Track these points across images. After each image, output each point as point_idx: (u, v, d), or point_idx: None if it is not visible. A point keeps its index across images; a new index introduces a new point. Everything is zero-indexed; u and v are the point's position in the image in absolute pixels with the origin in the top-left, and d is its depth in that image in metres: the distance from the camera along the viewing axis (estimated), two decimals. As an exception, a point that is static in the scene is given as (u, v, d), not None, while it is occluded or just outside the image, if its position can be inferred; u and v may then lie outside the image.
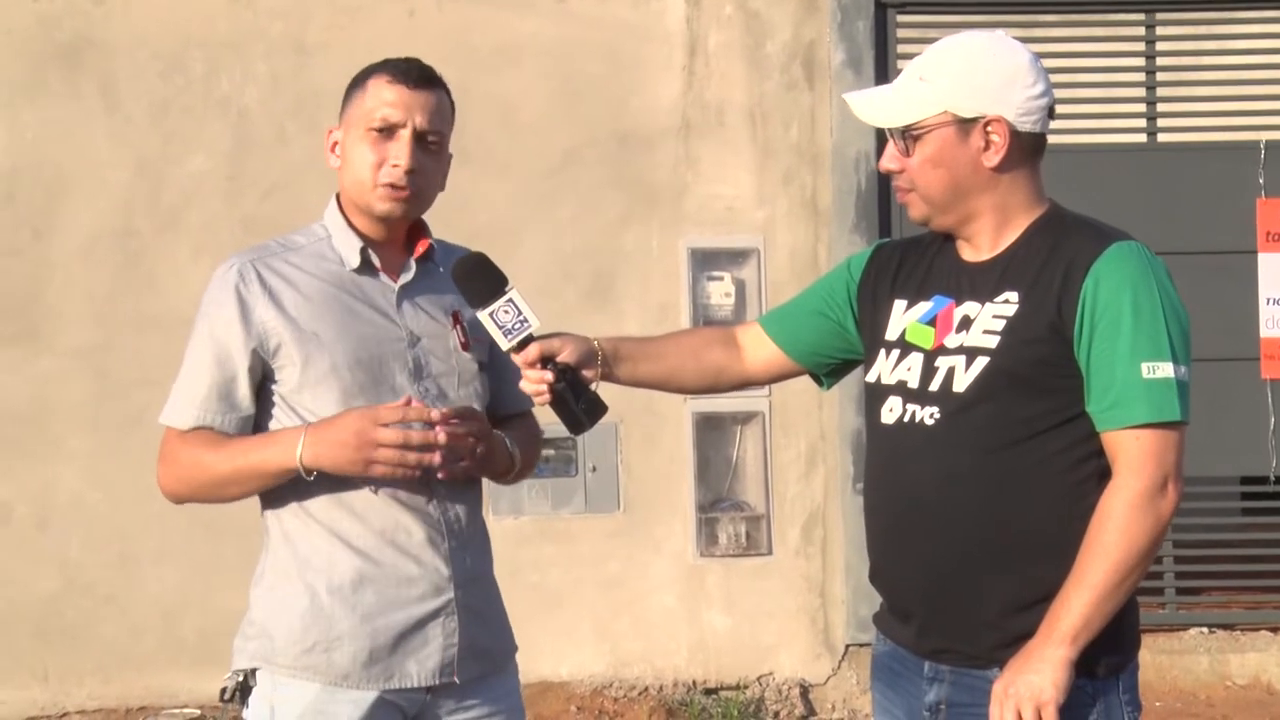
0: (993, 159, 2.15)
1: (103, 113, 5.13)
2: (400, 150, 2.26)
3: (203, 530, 4.86)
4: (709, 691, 5.17)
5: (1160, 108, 5.44)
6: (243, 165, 5.14)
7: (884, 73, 5.22)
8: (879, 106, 2.23)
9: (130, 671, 5.08)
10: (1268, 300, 5.24)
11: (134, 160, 5.14)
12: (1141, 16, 5.45)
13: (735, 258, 5.24)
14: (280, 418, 2.26)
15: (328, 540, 2.24)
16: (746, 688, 5.17)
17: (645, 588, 5.18)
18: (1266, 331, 5.23)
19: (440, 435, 2.18)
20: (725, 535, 5.20)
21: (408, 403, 2.20)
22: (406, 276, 2.34)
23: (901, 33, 5.33)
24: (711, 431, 5.23)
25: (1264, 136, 5.31)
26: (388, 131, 2.27)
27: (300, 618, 2.23)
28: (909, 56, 5.25)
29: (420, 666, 2.25)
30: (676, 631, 5.19)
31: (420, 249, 2.36)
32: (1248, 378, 5.22)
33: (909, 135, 2.17)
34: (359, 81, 2.32)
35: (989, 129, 2.14)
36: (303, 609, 2.23)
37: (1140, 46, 5.47)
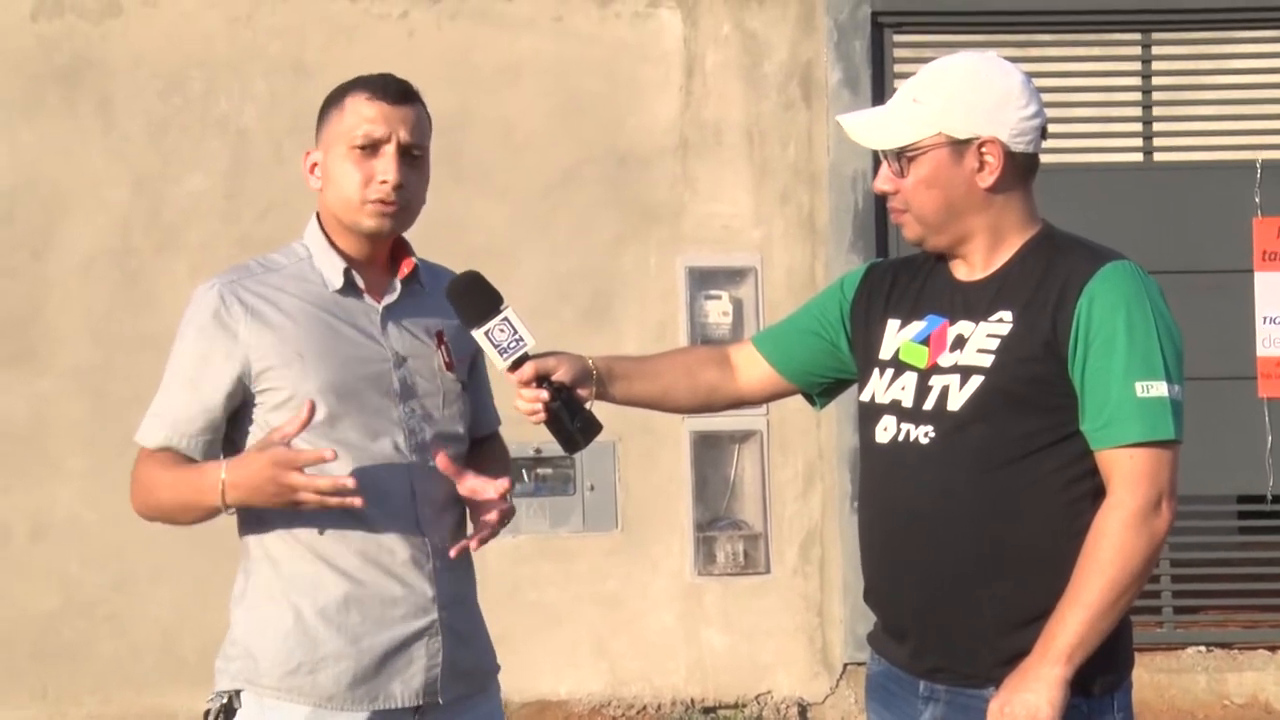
0: (987, 179, 2.17)
1: (101, 132, 5.15)
2: (387, 166, 2.25)
3: (201, 549, 4.84)
4: (707, 710, 5.16)
5: (1156, 127, 5.46)
6: (241, 184, 5.16)
7: (880, 92, 5.23)
8: (873, 128, 2.24)
9: (129, 690, 5.07)
10: (1264, 319, 5.24)
11: (132, 179, 5.15)
12: (1138, 36, 5.47)
13: (733, 277, 5.25)
14: (254, 435, 2.24)
15: (312, 562, 2.23)
16: (745, 706, 5.16)
17: (643, 606, 5.18)
18: (1263, 350, 5.24)
19: (349, 482, 2.10)
20: (723, 554, 5.20)
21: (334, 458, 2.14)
22: (391, 297, 2.33)
23: (898, 52, 5.35)
24: (709, 450, 5.23)
25: (1260, 156, 5.31)
26: (371, 148, 2.25)
27: (285, 639, 2.22)
28: (905, 75, 5.23)
29: (405, 687, 2.25)
30: (675, 650, 5.19)
31: (405, 269, 2.35)
32: (1244, 396, 5.22)
33: (903, 156, 2.18)
34: (335, 101, 2.31)
35: (983, 150, 2.16)
36: (287, 630, 2.22)
37: (1137, 66, 5.49)
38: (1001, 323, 2.15)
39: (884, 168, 2.22)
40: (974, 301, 2.19)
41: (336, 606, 2.22)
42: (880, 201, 5.09)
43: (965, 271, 2.24)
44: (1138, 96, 5.47)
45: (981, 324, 2.16)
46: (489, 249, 4.97)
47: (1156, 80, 5.47)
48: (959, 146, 2.16)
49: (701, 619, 5.19)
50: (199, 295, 2.27)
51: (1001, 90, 2.16)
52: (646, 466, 5.17)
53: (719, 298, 5.23)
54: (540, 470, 5.07)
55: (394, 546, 2.25)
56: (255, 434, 2.25)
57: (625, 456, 5.14)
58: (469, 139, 5.12)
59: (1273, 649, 5.29)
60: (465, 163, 5.10)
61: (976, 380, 2.13)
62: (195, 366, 2.24)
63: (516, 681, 4.73)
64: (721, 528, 5.23)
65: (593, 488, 5.15)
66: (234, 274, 2.30)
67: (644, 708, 5.15)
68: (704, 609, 5.19)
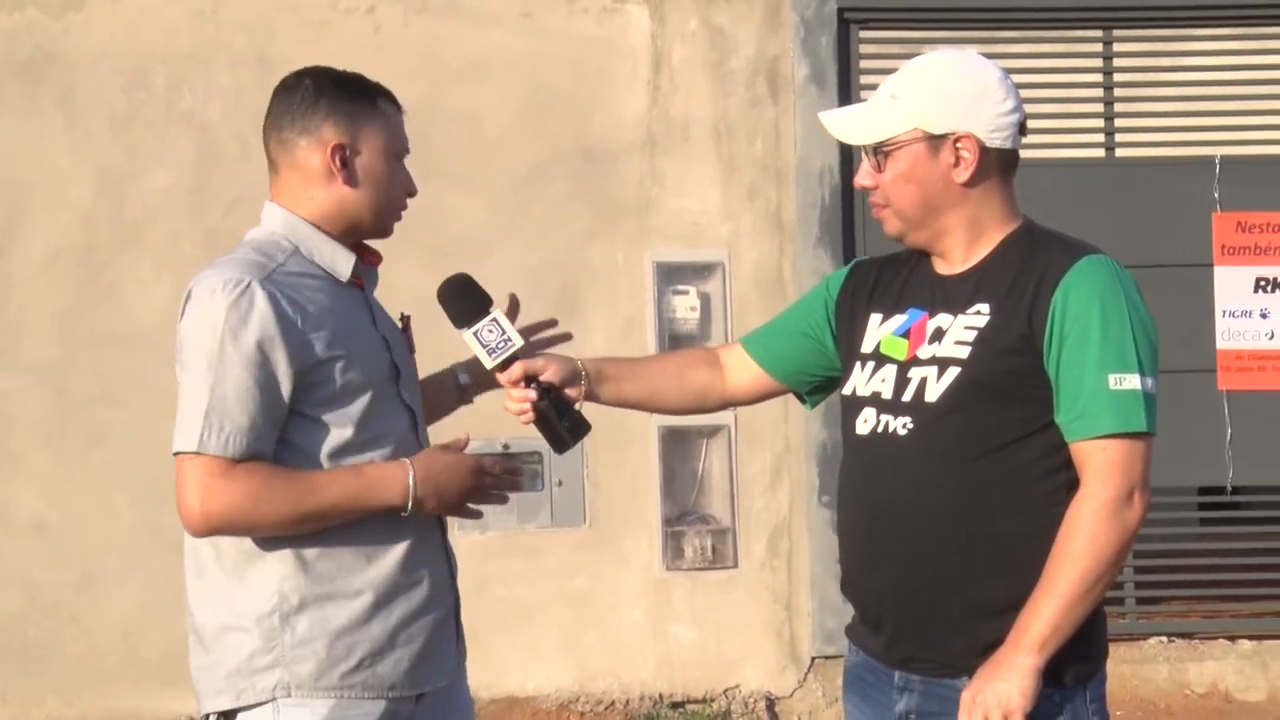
0: (963, 175, 2.19)
1: (64, 127, 5.09)
2: (409, 175, 2.36)
3: (166, 549, 4.78)
4: (675, 705, 5.17)
5: (1118, 123, 5.50)
6: (206, 179, 5.12)
7: (847, 87, 5.25)
8: (852, 124, 2.27)
9: (92, 692, 5.02)
10: (1224, 312, 5.30)
11: (95, 175, 5.10)
12: (1100, 33, 5.52)
13: (700, 272, 5.26)
14: (305, 431, 2.20)
15: (353, 557, 2.21)
16: (713, 701, 5.18)
17: (612, 601, 5.18)
18: (1223, 343, 5.30)
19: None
20: (691, 548, 5.21)
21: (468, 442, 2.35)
22: (371, 287, 2.39)
23: (864, 48, 5.37)
24: (677, 445, 5.24)
25: (1219, 152, 5.38)
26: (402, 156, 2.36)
27: (339, 636, 2.18)
28: (871, 71, 5.31)
29: (438, 668, 2.29)
30: (643, 645, 5.19)
31: (377, 260, 2.41)
32: (1205, 389, 5.28)
33: (881, 152, 2.21)
34: (363, 100, 2.31)
35: (958, 145, 2.18)
36: (339, 628, 2.19)
37: (1098, 63, 5.54)
38: (979, 315, 2.17)
39: (864, 163, 2.25)
40: (953, 295, 2.21)
41: (386, 597, 2.22)
42: (848, 197, 5.11)
43: (945, 266, 2.26)
44: (1099, 93, 5.52)
45: (960, 316, 2.19)
46: (458, 242, 4.96)
47: (1118, 77, 5.52)
48: (935, 141, 2.18)
49: (669, 614, 5.20)
50: (236, 294, 2.14)
51: (978, 86, 2.19)
52: (615, 462, 5.17)
53: (686, 293, 5.24)
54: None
55: (423, 529, 2.28)
56: (302, 428, 2.20)
57: (594, 452, 5.14)
58: (437, 133, 5.10)
59: (1233, 639, 5.36)
60: (435, 156, 5.08)
61: (954, 372, 2.15)
62: (260, 368, 2.14)
63: (484, 678, 4.72)
64: (689, 522, 5.24)
65: (561, 483, 5.15)
66: (253, 270, 2.19)
67: (612, 703, 5.15)
68: (672, 604, 5.20)
